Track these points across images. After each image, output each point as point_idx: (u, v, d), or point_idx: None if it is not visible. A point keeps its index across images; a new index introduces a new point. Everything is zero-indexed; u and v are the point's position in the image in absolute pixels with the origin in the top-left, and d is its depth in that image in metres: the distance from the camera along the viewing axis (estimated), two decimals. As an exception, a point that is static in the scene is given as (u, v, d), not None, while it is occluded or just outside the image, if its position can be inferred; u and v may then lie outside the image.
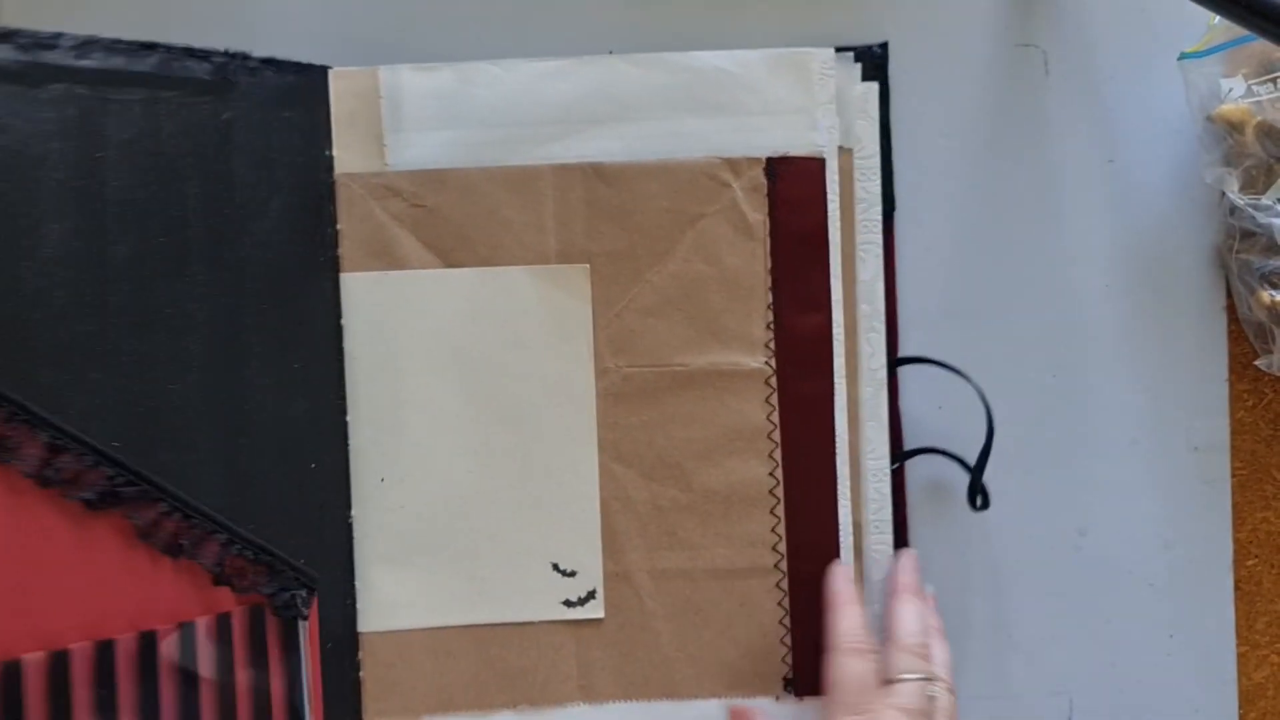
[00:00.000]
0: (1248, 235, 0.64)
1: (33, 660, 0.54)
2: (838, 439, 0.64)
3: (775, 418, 0.64)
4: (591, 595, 0.63)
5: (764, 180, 0.63)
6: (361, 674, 0.63)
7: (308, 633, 0.62)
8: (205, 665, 0.59)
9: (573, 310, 0.63)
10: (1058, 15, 0.67)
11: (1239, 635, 0.68)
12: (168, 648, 0.58)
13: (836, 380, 0.64)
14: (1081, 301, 0.67)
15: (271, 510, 0.61)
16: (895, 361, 0.66)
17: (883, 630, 0.62)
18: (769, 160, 0.63)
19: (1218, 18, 0.60)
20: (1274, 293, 0.63)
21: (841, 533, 0.64)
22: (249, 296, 0.61)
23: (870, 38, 0.66)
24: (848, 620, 0.61)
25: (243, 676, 0.60)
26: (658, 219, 0.63)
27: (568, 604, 0.63)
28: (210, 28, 0.62)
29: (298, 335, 0.62)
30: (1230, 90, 0.63)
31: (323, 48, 0.63)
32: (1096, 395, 0.66)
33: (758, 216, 0.64)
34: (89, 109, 0.57)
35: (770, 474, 0.64)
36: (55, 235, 0.56)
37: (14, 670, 0.54)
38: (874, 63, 0.65)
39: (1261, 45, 0.62)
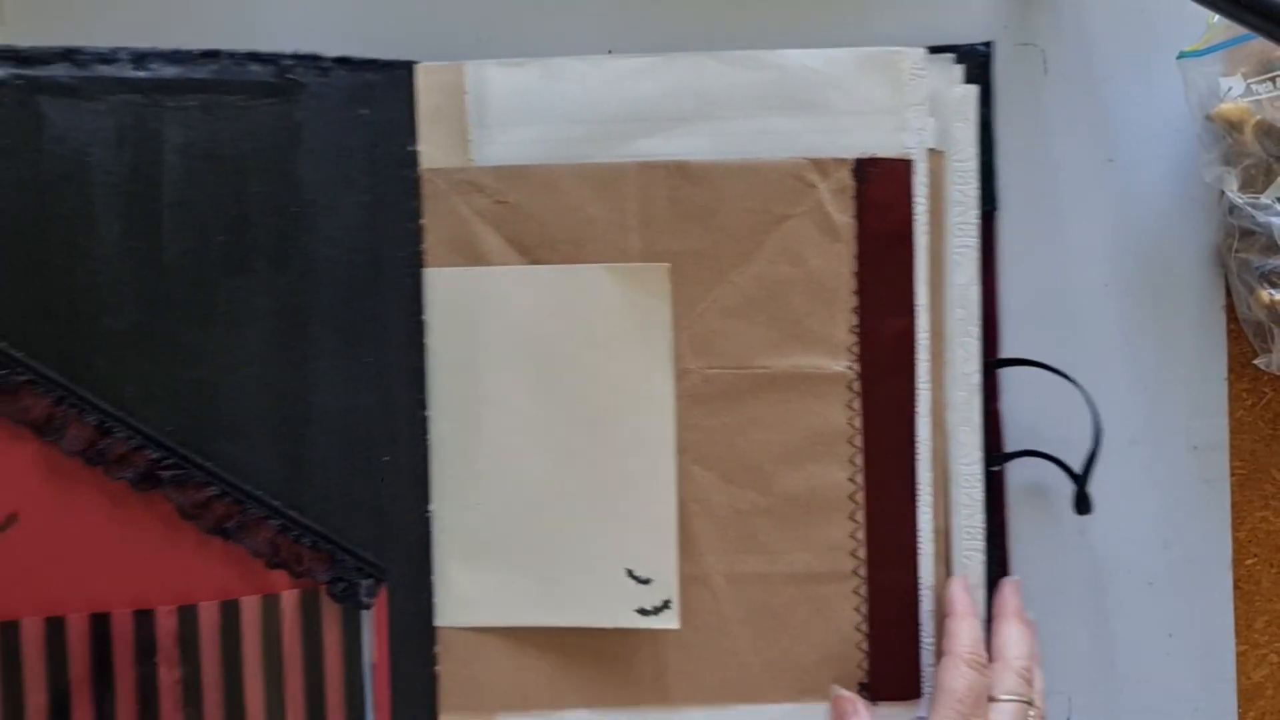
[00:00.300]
0: (1247, 234, 0.64)
1: (75, 620, 0.59)
2: (921, 444, 0.64)
3: (857, 422, 0.63)
4: (666, 605, 0.62)
5: (851, 182, 0.63)
6: (437, 669, 0.63)
7: (373, 623, 0.62)
8: (250, 644, 0.60)
9: (652, 310, 0.62)
10: (1057, 14, 0.67)
11: (1238, 634, 0.68)
12: (208, 622, 0.60)
13: (920, 385, 0.63)
14: (1080, 300, 0.67)
15: (336, 500, 0.61)
16: (995, 363, 0.66)
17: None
18: (857, 162, 0.63)
19: (1217, 17, 0.60)
20: (1273, 292, 0.63)
21: (921, 538, 0.64)
22: (316, 292, 0.61)
23: (870, 38, 0.64)
24: (969, 631, 0.62)
25: (293, 660, 0.60)
26: (742, 219, 0.63)
27: (642, 612, 0.62)
28: (227, 27, 0.62)
29: (370, 330, 0.61)
30: (1229, 89, 0.62)
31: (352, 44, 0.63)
32: (1095, 394, 0.65)
33: (844, 218, 0.63)
34: (145, 116, 0.59)
35: (850, 479, 0.63)
36: (110, 234, 0.59)
37: (58, 626, 0.58)
38: (977, 62, 0.65)
39: (1261, 44, 0.62)
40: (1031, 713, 0.60)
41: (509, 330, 0.62)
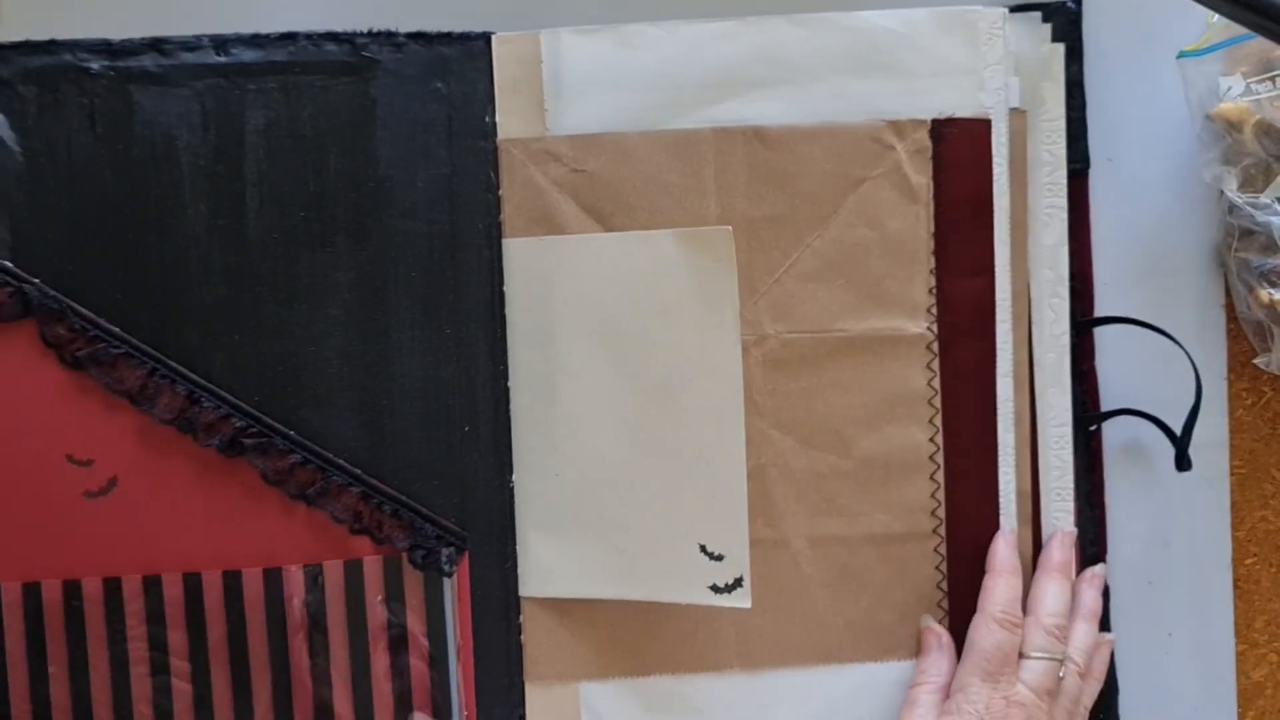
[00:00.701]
0: (1246, 234, 0.64)
1: (170, 579, 0.61)
2: (1002, 404, 0.64)
3: (936, 383, 0.63)
4: (739, 583, 0.62)
5: (928, 143, 0.62)
6: (522, 638, 0.64)
7: (455, 590, 0.63)
8: (333, 607, 0.62)
9: (717, 275, 0.62)
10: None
11: (1237, 634, 0.68)
12: (293, 584, 0.62)
13: (1000, 345, 0.63)
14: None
15: (417, 469, 0.63)
16: (1090, 322, 0.65)
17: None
18: (934, 122, 0.63)
19: (1216, 16, 0.59)
20: (1272, 291, 0.63)
21: (1002, 499, 0.64)
22: (395, 265, 0.62)
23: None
24: (1004, 590, 0.62)
25: (376, 624, 0.62)
26: (819, 183, 0.63)
27: (715, 590, 0.62)
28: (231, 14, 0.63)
29: (449, 301, 0.62)
30: (1229, 89, 0.62)
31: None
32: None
33: (921, 180, 0.63)
34: (227, 100, 0.62)
35: (930, 440, 0.64)
36: (197, 213, 0.62)
37: (155, 584, 0.61)
38: (1067, 19, 0.64)
39: (1260, 44, 0.62)
40: (1064, 669, 0.60)
41: (581, 299, 0.62)
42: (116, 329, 0.61)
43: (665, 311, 0.62)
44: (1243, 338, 0.66)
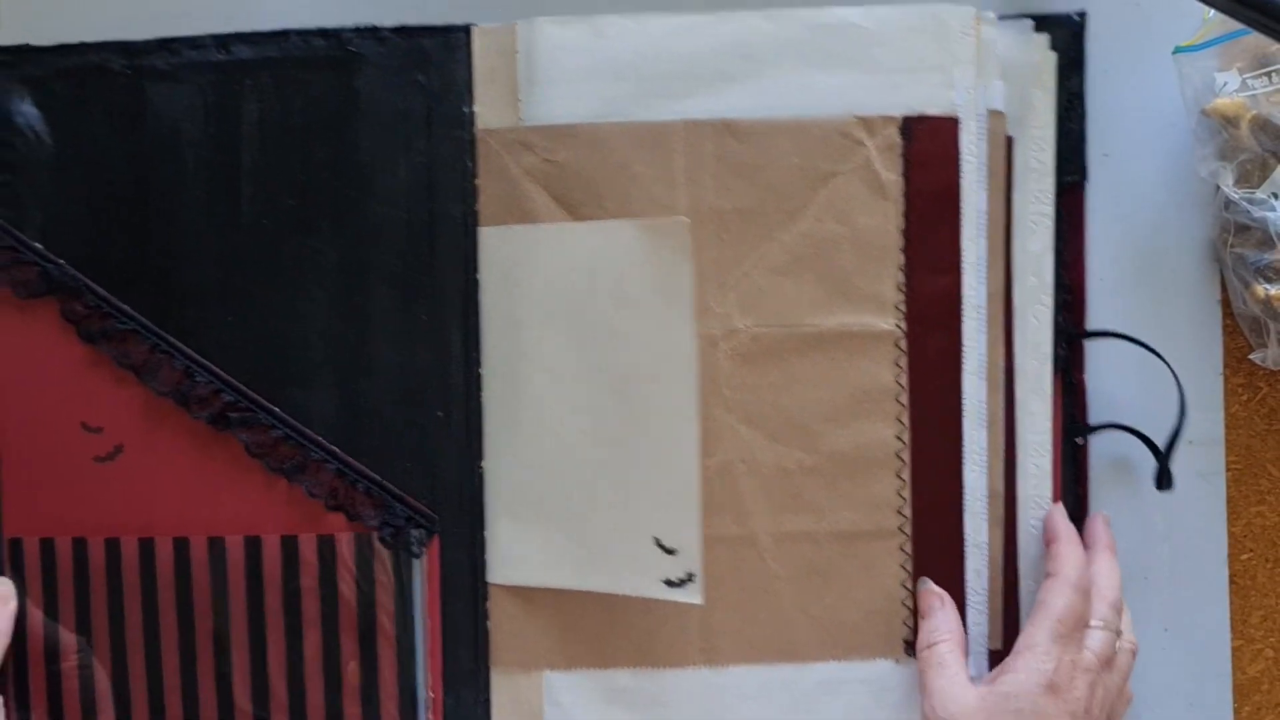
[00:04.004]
0: (1242, 229, 0.63)
1: (161, 543, 0.65)
2: (971, 402, 0.63)
3: (904, 380, 0.63)
4: (690, 578, 0.62)
5: (899, 139, 0.62)
6: (489, 624, 0.65)
7: (424, 572, 0.64)
8: (308, 579, 0.64)
9: (673, 267, 0.62)
10: (1049, 5, 0.65)
11: (1234, 629, 0.67)
12: (270, 555, 0.64)
13: (968, 343, 0.63)
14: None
15: (391, 451, 0.65)
16: (1079, 334, 0.65)
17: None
18: (905, 119, 0.62)
19: (1212, 12, 0.59)
20: (1268, 286, 0.62)
21: (967, 497, 0.63)
22: (374, 251, 0.65)
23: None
24: (1076, 556, 0.62)
25: (347, 599, 0.64)
26: (789, 177, 0.63)
27: (668, 584, 0.63)
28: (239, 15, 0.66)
29: (426, 288, 0.64)
30: (1225, 84, 0.62)
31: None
32: (1091, 389, 0.66)
33: (891, 176, 0.62)
34: (226, 94, 0.65)
35: (897, 436, 0.63)
36: (197, 200, 0.65)
37: (148, 547, 0.65)
38: (1071, 31, 0.64)
39: (1256, 39, 0.61)
40: (1120, 643, 0.60)
41: (548, 288, 0.63)
42: (126, 306, 0.65)
43: (625, 302, 0.63)
44: (1238, 333, 0.66)
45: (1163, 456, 0.64)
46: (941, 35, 0.62)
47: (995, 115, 0.62)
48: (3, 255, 0.65)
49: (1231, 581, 0.67)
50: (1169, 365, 0.64)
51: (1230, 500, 0.66)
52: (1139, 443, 0.65)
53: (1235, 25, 0.60)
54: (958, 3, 0.62)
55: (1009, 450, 0.64)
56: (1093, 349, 0.66)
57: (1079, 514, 0.65)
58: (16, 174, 0.65)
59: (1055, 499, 0.64)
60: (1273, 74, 0.61)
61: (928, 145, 0.62)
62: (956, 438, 0.63)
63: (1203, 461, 0.66)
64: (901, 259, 0.63)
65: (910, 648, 0.63)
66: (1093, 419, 0.66)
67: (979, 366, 0.63)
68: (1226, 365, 0.66)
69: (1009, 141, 0.63)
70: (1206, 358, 0.66)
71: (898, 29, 0.62)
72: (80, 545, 0.65)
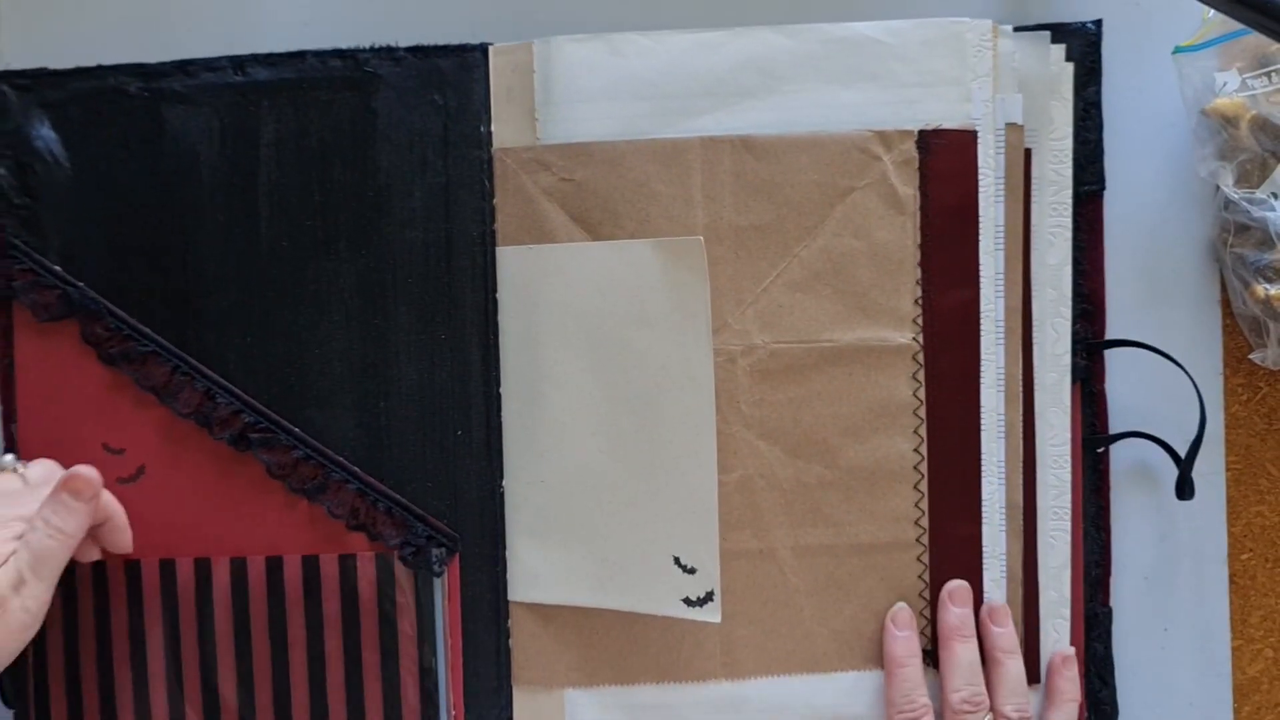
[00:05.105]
0: (1242, 229, 0.63)
1: (183, 563, 0.65)
2: (989, 415, 0.63)
3: (921, 394, 0.63)
4: (709, 597, 0.62)
5: (915, 154, 0.62)
6: (510, 641, 0.65)
7: (445, 590, 0.65)
8: (329, 599, 0.64)
9: (690, 285, 0.62)
10: (1053, 9, 0.65)
11: (1233, 629, 0.67)
12: (292, 574, 0.65)
13: (985, 356, 0.63)
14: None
15: (411, 471, 0.65)
16: (1098, 344, 0.65)
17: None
18: (921, 133, 0.62)
19: (1212, 12, 0.60)
20: (1268, 286, 0.62)
21: (985, 509, 0.63)
22: (393, 272, 0.65)
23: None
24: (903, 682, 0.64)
25: (369, 618, 0.65)
26: (807, 192, 0.63)
27: (687, 602, 0.63)
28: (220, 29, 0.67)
29: (444, 308, 0.65)
30: (1225, 84, 0.62)
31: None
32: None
33: (908, 190, 0.62)
34: (244, 116, 0.65)
35: (915, 450, 0.63)
36: (215, 223, 0.66)
37: (169, 568, 0.65)
38: (1086, 40, 0.64)
39: (1256, 39, 0.61)
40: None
41: (566, 307, 0.64)
42: (146, 329, 0.65)
43: (642, 321, 0.63)
44: (1238, 333, 0.66)
45: (1185, 465, 0.63)
46: (958, 49, 0.62)
47: (1013, 128, 0.63)
48: (23, 278, 0.65)
49: (1231, 581, 0.67)
50: (1187, 373, 0.64)
51: (1230, 500, 0.67)
52: (1140, 444, 0.65)
53: (1235, 25, 0.60)
54: (974, 16, 0.63)
55: (1028, 462, 0.64)
56: (1110, 357, 0.66)
57: (1101, 523, 0.65)
58: (36, 198, 0.65)
59: (1075, 509, 0.64)
60: (1272, 74, 0.61)
61: (945, 159, 0.62)
62: (975, 450, 0.63)
63: (1203, 461, 0.65)
64: (919, 273, 0.63)
65: (928, 657, 0.64)
66: (1113, 427, 0.66)
67: (997, 380, 0.63)
68: (1226, 365, 0.66)
69: (1027, 154, 0.63)
70: (1206, 358, 0.66)
71: (915, 43, 0.62)
72: (99, 567, 0.65)
